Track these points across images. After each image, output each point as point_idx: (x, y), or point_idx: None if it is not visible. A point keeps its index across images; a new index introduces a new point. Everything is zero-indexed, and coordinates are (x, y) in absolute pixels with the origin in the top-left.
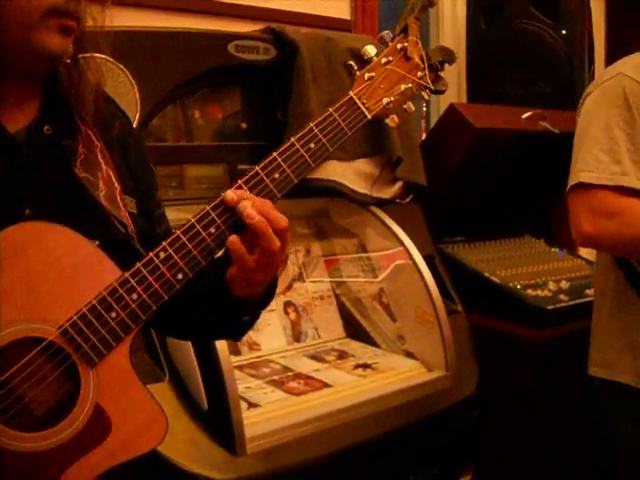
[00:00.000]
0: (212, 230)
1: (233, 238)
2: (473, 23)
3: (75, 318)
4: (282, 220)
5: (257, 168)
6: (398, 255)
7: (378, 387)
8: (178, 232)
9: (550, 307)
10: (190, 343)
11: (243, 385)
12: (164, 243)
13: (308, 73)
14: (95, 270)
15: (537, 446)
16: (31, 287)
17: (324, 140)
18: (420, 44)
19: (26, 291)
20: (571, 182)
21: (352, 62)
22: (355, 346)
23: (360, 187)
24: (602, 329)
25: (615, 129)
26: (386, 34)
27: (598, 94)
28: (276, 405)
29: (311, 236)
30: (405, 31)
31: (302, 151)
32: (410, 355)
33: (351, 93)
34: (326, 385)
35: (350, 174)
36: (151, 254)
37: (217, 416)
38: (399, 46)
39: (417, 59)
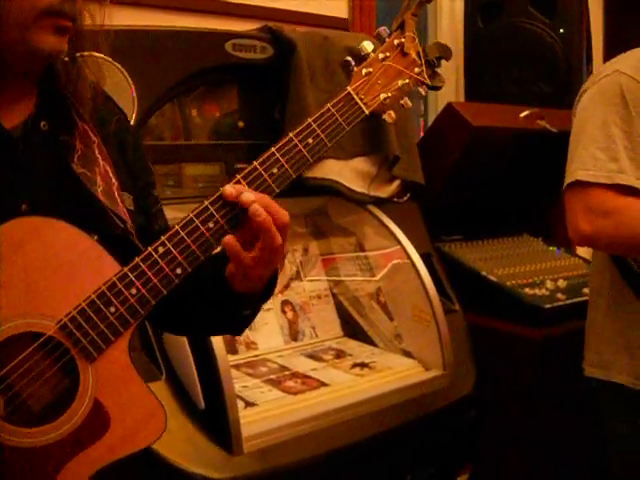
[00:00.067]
0: (211, 225)
1: (228, 238)
2: (471, 21)
3: (74, 313)
4: (284, 215)
5: (255, 163)
6: (395, 254)
7: (375, 386)
8: (177, 227)
9: (547, 306)
10: (187, 342)
11: (240, 384)
12: (163, 238)
13: (305, 72)
14: (94, 265)
15: (535, 445)
16: (29, 282)
17: (322, 135)
18: (417, 40)
19: (24, 286)
20: (568, 180)
21: (349, 58)
22: (352, 345)
23: (357, 186)
24: (598, 329)
25: (612, 127)
26: (383, 30)
27: (595, 92)
28: (273, 404)
29: (309, 235)
30: (402, 27)
31: (300, 146)
32: (407, 354)
33: (349, 88)
34: (323, 384)
35: (347, 173)
36: (150, 249)
37: (214, 415)
38: (396, 42)
39: (414, 55)
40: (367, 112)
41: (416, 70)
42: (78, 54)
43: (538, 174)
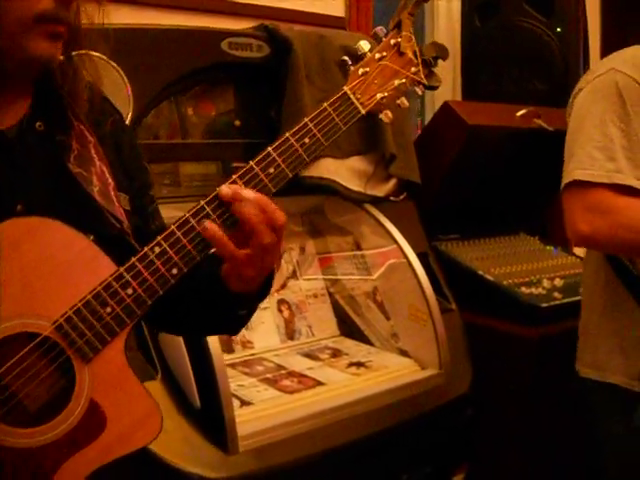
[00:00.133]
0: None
1: (208, 223)
2: (468, 20)
3: (70, 313)
4: (279, 216)
5: (252, 163)
6: (392, 253)
7: (371, 385)
8: (173, 227)
9: (544, 305)
10: (182, 341)
11: (236, 383)
12: (159, 238)
13: (301, 71)
14: (90, 265)
15: (531, 444)
16: (25, 282)
17: (319, 135)
18: (414, 39)
19: (20, 286)
20: (565, 180)
21: (346, 58)
22: (349, 344)
23: (354, 185)
24: (592, 329)
25: (609, 125)
26: (380, 30)
27: (590, 90)
28: (269, 403)
29: (305, 234)
30: (399, 27)
31: (297, 146)
32: (404, 353)
33: (345, 88)
34: (319, 383)
35: (344, 172)
36: (146, 249)
37: (209, 414)
38: (393, 41)
39: (411, 54)
40: (363, 112)
41: (413, 70)
42: (74, 53)
43: (535, 173)
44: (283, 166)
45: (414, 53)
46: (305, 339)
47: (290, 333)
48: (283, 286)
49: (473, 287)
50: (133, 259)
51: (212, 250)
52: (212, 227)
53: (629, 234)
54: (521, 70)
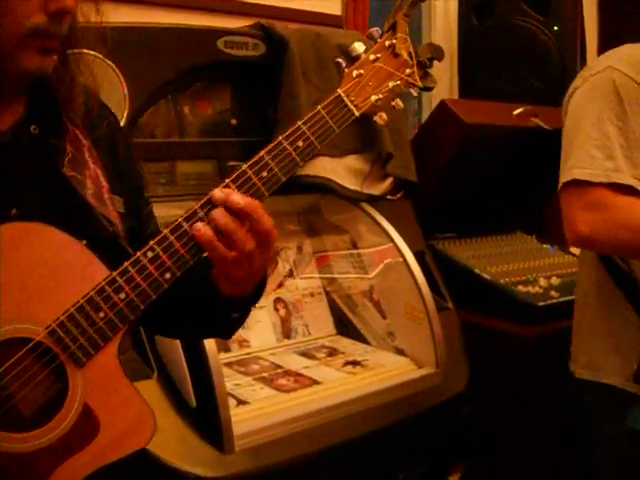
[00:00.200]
0: None
1: (199, 225)
2: (465, 19)
3: (62, 318)
4: (265, 222)
5: (245, 167)
6: (388, 252)
7: (368, 384)
8: (166, 231)
9: (541, 304)
10: (178, 340)
11: (232, 382)
12: (152, 242)
13: (298, 69)
14: (83, 270)
15: (528, 442)
16: (18, 288)
17: (312, 138)
18: (409, 41)
19: (13, 292)
20: (564, 179)
21: (340, 59)
22: (345, 343)
23: (350, 183)
24: (586, 329)
25: (607, 124)
26: (375, 31)
27: (587, 88)
28: (265, 402)
29: (302, 233)
30: (394, 28)
31: (290, 149)
32: (400, 352)
33: (339, 91)
34: (315, 382)
35: (340, 170)
36: (139, 253)
37: (205, 413)
38: (387, 43)
39: (406, 56)
40: (357, 114)
41: (407, 71)
42: (69, 51)
43: (532, 171)
44: (276, 170)
45: (409, 54)
46: (301, 338)
47: (286, 332)
48: (280, 285)
49: (470, 286)
50: (126, 263)
51: (205, 254)
52: (202, 229)
53: (628, 234)
54: (518, 69)
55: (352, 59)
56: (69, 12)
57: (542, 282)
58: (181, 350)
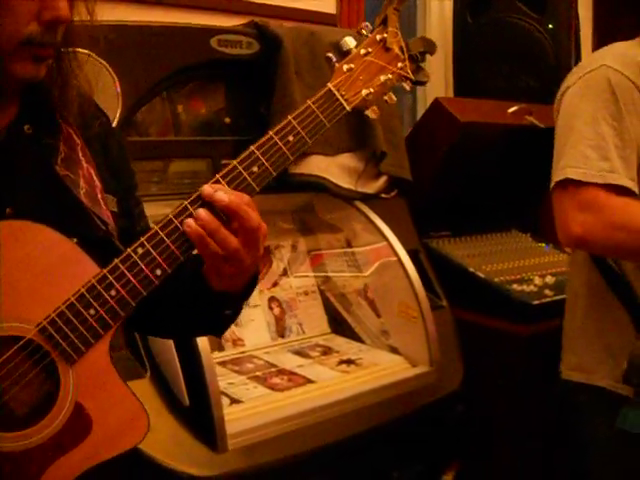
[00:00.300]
0: None
1: (189, 221)
2: (460, 17)
3: (53, 316)
4: (250, 219)
5: (235, 162)
6: (382, 250)
7: (362, 383)
8: (156, 228)
9: (535, 302)
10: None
11: (226, 381)
12: (142, 239)
13: (291, 67)
14: (73, 268)
15: (522, 441)
16: (9, 286)
17: (303, 133)
18: (400, 35)
19: (4, 290)
20: (556, 178)
21: (331, 54)
22: (340, 342)
23: (344, 182)
24: (577, 330)
25: (602, 124)
26: (366, 26)
27: (581, 86)
28: (259, 401)
29: (296, 231)
30: (385, 22)
31: (280, 144)
32: (394, 350)
33: (329, 85)
34: (309, 381)
35: (334, 169)
36: (129, 250)
37: (198, 412)
38: (378, 37)
39: (397, 50)
40: (348, 108)
41: (399, 65)
42: (64, 49)
43: (527, 170)
44: (267, 165)
45: (400, 48)
46: (295, 337)
47: (281, 331)
48: (275, 284)
49: (464, 284)
50: (116, 260)
51: (195, 250)
52: (193, 225)
53: (624, 235)
54: (513, 67)
55: (343, 54)
56: (64, 21)
57: (537, 281)
58: (174, 349)
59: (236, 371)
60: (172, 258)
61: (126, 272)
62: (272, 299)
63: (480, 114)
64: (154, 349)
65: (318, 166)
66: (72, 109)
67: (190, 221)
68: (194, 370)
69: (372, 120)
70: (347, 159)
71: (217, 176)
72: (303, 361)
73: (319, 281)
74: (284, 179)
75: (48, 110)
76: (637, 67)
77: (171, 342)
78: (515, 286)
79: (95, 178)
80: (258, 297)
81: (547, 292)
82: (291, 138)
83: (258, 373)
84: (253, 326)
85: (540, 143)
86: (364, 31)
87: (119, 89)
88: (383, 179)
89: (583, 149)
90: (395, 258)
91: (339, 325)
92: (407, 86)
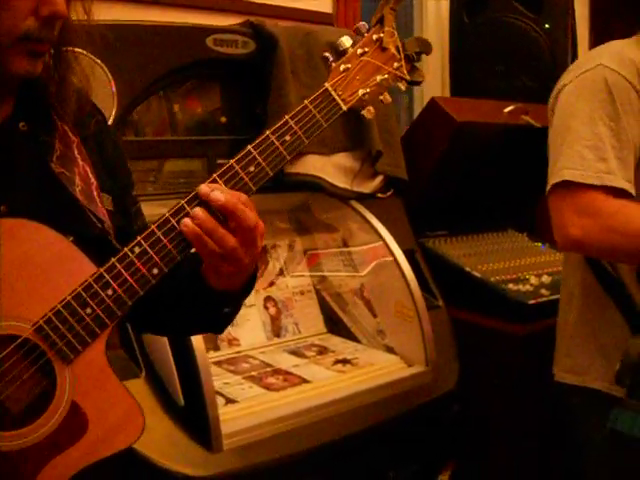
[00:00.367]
0: None
1: (186, 221)
2: (456, 17)
3: (50, 314)
4: (247, 219)
5: (232, 162)
6: (378, 250)
7: (357, 383)
8: (153, 227)
9: (531, 302)
10: (166, 339)
11: (221, 381)
12: (139, 238)
13: (287, 67)
14: (70, 266)
15: (518, 441)
16: (5, 284)
17: (299, 132)
18: (396, 35)
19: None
20: (553, 180)
21: (328, 54)
22: (335, 341)
23: (340, 181)
24: (571, 331)
25: (599, 124)
26: (362, 25)
27: (577, 86)
28: (254, 401)
29: (292, 231)
30: (381, 22)
31: (277, 144)
32: (390, 350)
33: (326, 85)
34: (305, 381)
35: (329, 168)
36: (126, 249)
37: (193, 412)
38: (375, 37)
39: (393, 50)
40: (345, 108)
41: (395, 65)
42: (63, 48)
43: (523, 169)
44: (264, 164)
45: (397, 48)
46: (291, 336)
47: (276, 330)
48: (271, 284)
49: (460, 284)
50: (113, 259)
51: (192, 249)
52: (190, 224)
53: (621, 238)
54: (509, 66)
55: (339, 53)
56: (61, 17)
57: (533, 280)
58: (169, 349)
59: (231, 371)
60: (169, 257)
61: (123, 271)
62: (268, 299)
63: (476, 114)
64: (149, 349)
65: (314, 165)
66: (69, 106)
67: (187, 220)
68: (189, 370)
69: (368, 120)
70: (343, 159)
71: (214, 175)
72: (299, 361)
73: (315, 281)
74: (280, 179)
75: (44, 107)
76: (634, 66)
77: (166, 342)
78: (511, 286)
79: (91, 176)
80: (254, 297)
81: (543, 292)
82: (288, 138)
83: (253, 373)
84: (249, 326)
85: (536, 143)
86: (361, 30)
87: (114, 88)
88: (379, 179)
89: (580, 150)
90: (391, 258)
91: (335, 325)
92: (402, 86)
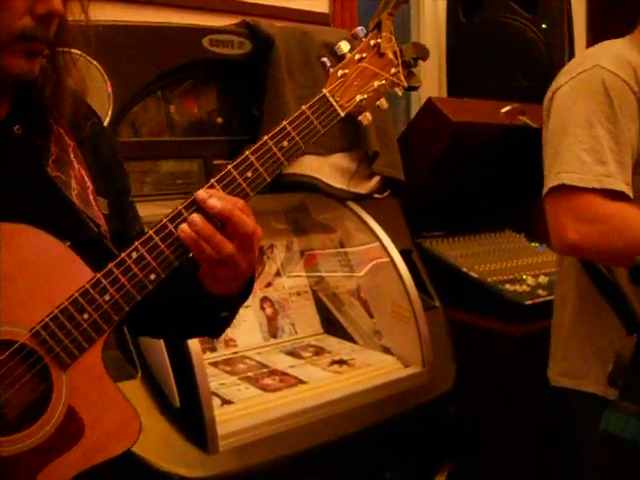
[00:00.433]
0: None
1: (183, 227)
2: (453, 17)
3: (47, 320)
4: (244, 225)
5: (230, 167)
6: (375, 250)
7: (354, 383)
8: (150, 232)
9: (528, 302)
10: (162, 340)
11: (217, 382)
12: (136, 243)
13: (283, 67)
14: (67, 271)
15: (515, 441)
16: (2, 290)
17: (297, 138)
18: (394, 40)
19: None
20: (551, 184)
21: (325, 59)
22: (332, 342)
23: (337, 182)
24: (566, 333)
25: (597, 127)
26: (360, 30)
27: (574, 87)
28: (250, 402)
29: (289, 231)
30: (379, 27)
31: (275, 149)
32: (387, 351)
33: (324, 91)
34: (301, 382)
35: (327, 169)
36: (123, 254)
37: (189, 413)
38: (372, 42)
39: (391, 55)
40: (342, 114)
41: (392, 71)
42: (59, 49)
43: (520, 170)
44: (261, 170)
45: (394, 54)
46: (288, 337)
47: (273, 331)
48: (268, 285)
49: (457, 284)
50: (110, 265)
51: (190, 255)
52: (188, 230)
53: (618, 242)
54: (506, 66)
55: (337, 58)
56: (57, 15)
57: (530, 281)
58: (165, 350)
59: (228, 372)
60: (166, 263)
61: (120, 276)
62: (264, 299)
63: (473, 114)
64: (145, 350)
65: (311, 166)
66: (65, 109)
67: (184, 226)
68: (185, 371)
69: None
70: (340, 159)
71: (212, 180)
72: (295, 362)
73: (312, 281)
74: (277, 179)
75: (40, 110)
76: (631, 68)
77: (162, 343)
78: (508, 286)
79: (87, 179)
80: (250, 297)
81: (540, 292)
82: (285, 143)
83: (250, 374)
84: (245, 326)
85: (533, 143)
86: (359, 35)
87: (110, 89)
88: (376, 179)
89: (578, 153)
90: (388, 258)
91: (331, 325)
92: (399, 92)
